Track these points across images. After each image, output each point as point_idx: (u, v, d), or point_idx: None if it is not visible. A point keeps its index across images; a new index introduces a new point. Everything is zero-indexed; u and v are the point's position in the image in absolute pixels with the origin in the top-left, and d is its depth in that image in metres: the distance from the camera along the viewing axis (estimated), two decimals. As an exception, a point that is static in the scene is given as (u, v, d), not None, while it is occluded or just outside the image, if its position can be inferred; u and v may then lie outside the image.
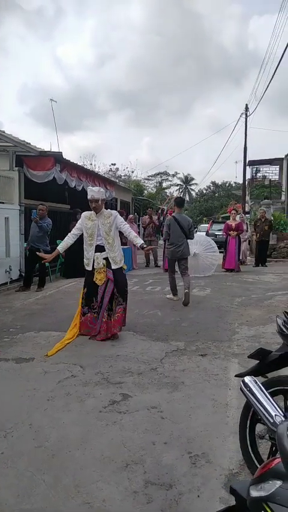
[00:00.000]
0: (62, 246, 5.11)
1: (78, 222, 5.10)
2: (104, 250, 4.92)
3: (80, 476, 2.27)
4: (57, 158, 9.71)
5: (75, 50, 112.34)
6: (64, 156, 10.07)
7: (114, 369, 3.86)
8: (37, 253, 5.09)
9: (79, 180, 11.11)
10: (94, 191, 4.95)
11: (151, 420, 2.88)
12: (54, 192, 10.96)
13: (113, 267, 4.89)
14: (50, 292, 8.06)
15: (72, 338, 4.81)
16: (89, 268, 4.97)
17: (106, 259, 4.90)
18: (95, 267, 4.92)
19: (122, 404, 3.13)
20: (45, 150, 10.81)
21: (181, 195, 56.18)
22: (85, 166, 16.76)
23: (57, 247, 5.18)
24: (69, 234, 5.10)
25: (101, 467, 2.34)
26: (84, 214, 5.10)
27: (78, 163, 12.59)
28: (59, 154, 9.94)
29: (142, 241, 5.08)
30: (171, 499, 2.06)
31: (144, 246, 5.05)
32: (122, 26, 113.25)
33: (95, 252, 4.91)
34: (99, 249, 4.92)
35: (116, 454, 2.46)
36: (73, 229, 5.10)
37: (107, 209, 5.14)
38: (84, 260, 5.06)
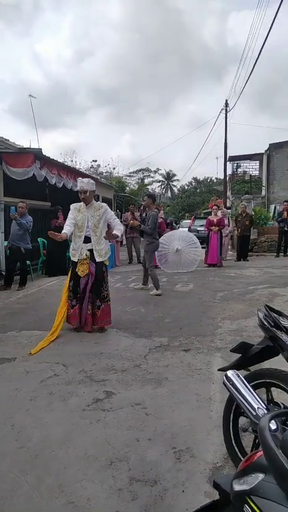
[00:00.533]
0: (66, 230, 4.92)
1: (70, 213, 5.08)
2: (90, 242, 4.95)
3: (64, 475, 2.24)
4: (37, 155, 9.55)
5: (54, 45, 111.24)
6: (44, 153, 9.92)
7: (97, 367, 3.83)
8: (49, 232, 4.98)
9: (59, 177, 10.97)
10: (83, 182, 4.97)
11: (135, 417, 2.87)
12: (35, 189, 10.81)
13: (97, 259, 4.93)
14: (32, 290, 7.95)
15: (56, 333, 4.80)
16: (75, 258, 4.97)
17: (91, 251, 4.92)
18: (78, 257, 4.94)
19: (105, 402, 3.10)
20: (25, 147, 10.63)
21: (163, 191, 56.34)
22: (66, 163, 16.57)
23: (63, 231, 4.93)
24: (66, 224, 4.99)
25: (85, 466, 2.31)
26: (73, 205, 5.09)
27: (59, 160, 12.44)
28: (39, 150, 9.78)
29: (119, 235, 5.11)
30: (156, 495, 2.05)
31: (115, 235, 5.00)
32: (101, 22, 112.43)
33: (83, 243, 4.95)
34: (86, 240, 4.96)
35: (100, 452, 2.44)
36: (67, 221, 5.01)
37: (97, 201, 5.22)
38: (71, 251, 5.07)
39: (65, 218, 9.67)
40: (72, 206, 5.11)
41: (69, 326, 5.05)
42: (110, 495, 2.07)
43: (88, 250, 4.92)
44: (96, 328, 5.01)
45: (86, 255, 4.92)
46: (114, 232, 4.97)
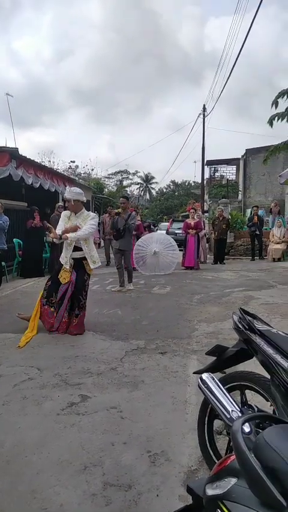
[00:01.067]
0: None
1: (60, 220, 5.12)
2: (81, 250, 4.99)
3: (37, 481, 2.20)
4: (12, 154, 9.40)
5: (33, 44, 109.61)
6: (21, 153, 9.78)
7: (73, 370, 3.78)
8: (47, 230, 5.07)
9: (36, 177, 10.82)
10: (66, 191, 5.10)
11: (110, 420, 2.84)
12: (10, 189, 10.63)
13: (92, 266, 5.02)
14: (6, 292, 7.79)
15: (35, 329, 4.89)
16: (63, 261, 5.02)
17: (77, 259, 4.99)
18: (64, 264, 4.99)
19: (80, 406, 3.07)
20: (1, 146, 10.45)
21: (141, 194, 56.44)
22: (43, 164, 16.37)
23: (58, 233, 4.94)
24: (57, 229, 5.00)
25: (58, 471, 2.27)
26: (64, 213, 5.20)
27: (36, 160, 12.27)
28: (15, 150, 9.63)
29: (72, 236, 4.84)
30: (130, 500, 2.04)
31: (64, 237, 4.87)
32: (80, 22, 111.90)
33: (72, 252, 4.98)
34: (75, 249, 4.99)
35: (74, 457, 2.41)
36: (58, 227, 5.01)
37: (90, 212, 5.35)
38: (63, 258, 5.07)
39: (41, 219, 9.63)
40: (63, 214, 5.20)
41: (45, 329, 4.97)
42: (83, 500, 2.04)
43: (73, 259, 4.98)
44: (72, 333, 4.95)
45: (71, 264, 4.98)
46: (68, 234, 4.84)
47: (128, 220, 7.94)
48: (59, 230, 4.95)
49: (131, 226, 7.95)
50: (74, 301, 5.01)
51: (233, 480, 0.99)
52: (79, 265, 5.04)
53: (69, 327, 4.97)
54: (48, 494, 2.09)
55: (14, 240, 9.83)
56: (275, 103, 9.87)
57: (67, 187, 5.35)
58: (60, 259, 5.15)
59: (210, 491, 1.03)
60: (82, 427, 2.76)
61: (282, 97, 9.81)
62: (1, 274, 8.31)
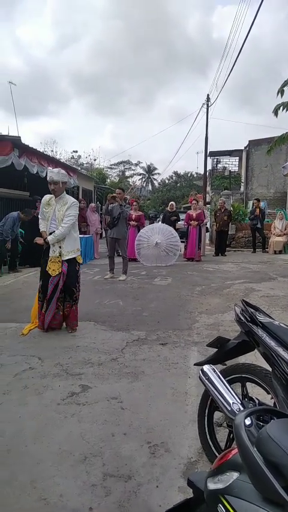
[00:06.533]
0: (43, 227, 4.79)
1: (41, 206, 4.85)
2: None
3: (37, 471, 2.20)
4: (15, 143, 9.33)
5: (35, 32, 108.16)
6: (23, 142, 9.70)
7: (73, 360, 3.78)
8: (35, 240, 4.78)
9: (41, 166, 10.71)
10: (53, 172, 4.66)
11: (111, 411, 2.84)
12: (13, 178, 10.57)
13: (64, 258, 4.64)
14: (8, 282, 7.80)
15: (37, 321, 4.76)
16: (57, 254, 4.65)
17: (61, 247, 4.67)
18: (50, 255, 4.66)
19: (81, 396, 3.07)
20: (3, 134, 10.36)
21: (144, 185, 56.22)
22: (46, 153, 16.27)
23: (41, 230, 4.80)
24: (40, 219, 4.84)
25: (58, 462, 2.28)
26: (44, 198, 4.84)
27: (39, 150, 12.19)
28: (18, 138, 9.55)
29: (51, 238, 4.60)
30: (130, 491, 2.04)
31: (47, 241, 4.63)
32: (84, 9, 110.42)
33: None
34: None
35: (74, 447, 2.41)
36: (40, 215, 4.84)
37: (69, 196, 4.90)
38: (52, 251, 4.73)
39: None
40: (43, 199, 4.83)
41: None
42: (83, 491, 2.04)
43: (60, 247, 4.64)
44: (69, 327, 4.74)
45: (59, 253, 4.64)
46: (48, 237, 4.60)
47: (123, 210, 8.13)
48: (43, 220, 4.76)
49: (125, 212, 8.16)
50: (65, 294, 4.68)
51: (235, 474, 0.98)
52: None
53: (62, 322, 4.76)
54: (48, 484, 2.09)
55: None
56: (281, 92, 9.71)
57: (48, 168, 5.04)
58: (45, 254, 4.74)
59: (211, 485, 1.02)
60: (82, 417, 2.76)
61: (288, 85, 9.66)
62: (3, 263, 8.37)
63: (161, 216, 15.36)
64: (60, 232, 4.60)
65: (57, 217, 4.65)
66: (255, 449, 0.93)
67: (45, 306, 4.63)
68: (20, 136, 9.62)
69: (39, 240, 4.75)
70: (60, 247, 4.66)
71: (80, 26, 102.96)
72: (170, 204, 13.17)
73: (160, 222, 13.33)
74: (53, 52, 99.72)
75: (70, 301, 4.69)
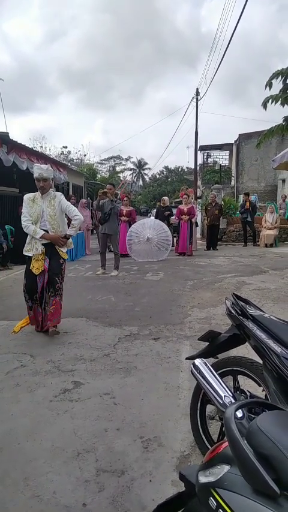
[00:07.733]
0: (33, 228, 4.49)
1: (23, 206, 4.59)
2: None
3: (30, 468, 2.19)
4: (3, 139, 9.22)
5: (23, 26, 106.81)
6: (11, 138, 9.59)
7: (66, 357, 3.77)
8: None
9: (30, 162, 10.60)
10: (42, 169, 4.49)
11: (103, 407, 2.84)
12: (1, 175, 10.45)
13: (60, 252, 4.52)
14: (-1, 279, 7.74)
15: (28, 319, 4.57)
16: (30, 253, 4.47)
17: (47, 245, 4.46)
18: (33, 253, 4.45)
19: (73, 393, 3.06)
20: (-10, 130, 10.24)
21: (135, 180, 56.12)
22: (35, 149, 16.13)
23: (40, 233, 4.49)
24: (25, 221, 4.50)
25: (51, 458, 2.27)
26: (27, 196, 4.59)
27: (28, 146, 12.06)
28: (5, 134, 9.45)
29: (74, 231, 4.64)
30: (123, 486, 2.04)
31: (68, 236, 4.58)
32: (72, 2, 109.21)
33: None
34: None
35: (67, 444, 2.40)
36: (22, 217, 4.53)
37: (54, 191, 4.76)
38: (26, 246, 4.53)
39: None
40: (25, 197, 4.58)
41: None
42: (76, 487, 2.04)
43: (43, 244, 4.43)
44: (51, 331, 4.34)
45: (42, 250, 4.43)
46: (68, 231, 4.57)
47: (113, 205, 8.20)
48: (29, 220, 4.48)
49: (116, 208, 8.26)
50: (49, 285, 4.44)
51: (226, 467, 0.97)
52: (51, 251, 4.49)
53: (44, 320, 4.51)
54: (41, 481, 2.08)
55: (6, 226, 9.72)
56: (269, 84, 9.63)
57: (36, 164, 4.87)
58: (25, 252, 4.53)
59: (202, 479, 1.02)
60: (75, 413, 2.76)
61: (277, 78, 9.56)
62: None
63: (154, 211, 15.35)
64: (79, 221, 4.64)
65: (49, 214, 4.49)
66: (245, 441, 0.93)
67: (36, 305, 4.49)
68: (8, 132, 9.52)
69: (62, 241, 4.52)
70: (43, 244, 4.45)
71: (68, 20, 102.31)
72: (162, 199, 13.15)
73: (153, 218, 13.32)
74: (42, 47, 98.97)
75: (53, 293, 4.41)
